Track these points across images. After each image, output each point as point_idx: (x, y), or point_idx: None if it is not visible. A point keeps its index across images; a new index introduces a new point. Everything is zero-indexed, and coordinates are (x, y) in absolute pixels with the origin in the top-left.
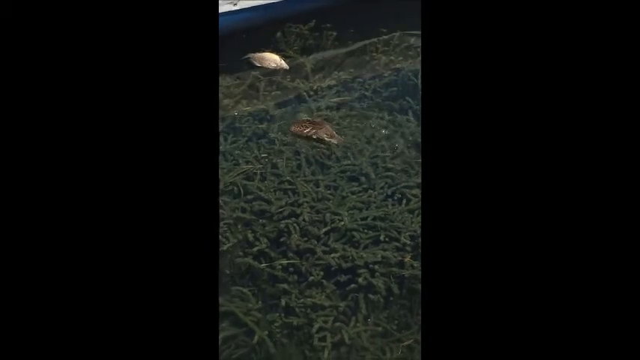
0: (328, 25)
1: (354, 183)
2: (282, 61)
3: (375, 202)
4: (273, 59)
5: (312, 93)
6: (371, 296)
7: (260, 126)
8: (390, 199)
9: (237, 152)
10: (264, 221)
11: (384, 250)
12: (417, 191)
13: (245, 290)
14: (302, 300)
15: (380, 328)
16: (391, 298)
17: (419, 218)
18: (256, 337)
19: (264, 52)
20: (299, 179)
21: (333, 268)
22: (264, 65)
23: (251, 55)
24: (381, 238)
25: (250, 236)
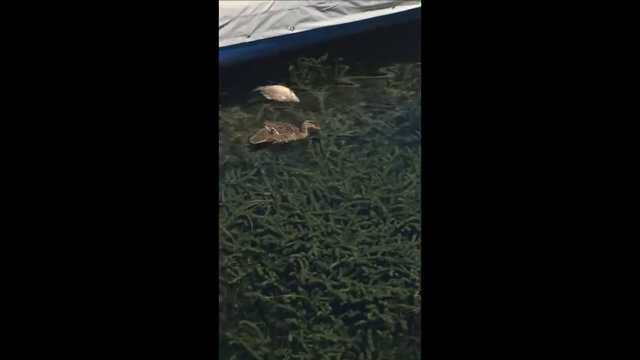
0: (340, 58)
1: (364, 216)
2: (293, 94)
3: (384, 237)
4: (283, 92)
5: (323, 127)
6: (379, 332)
7: (269, 159)
8: (399, 234)
9: (247, 185)
10: (273, 255)
11: (394, 285)
12: None
13: (253, 325)
14: (310, 335)
15: None
16: (400, 334)
17: None
18: None
19: (275, 84)
20: (309, 213)
21: (342, 303)
22: (274, 98)
23: (262, 87)
24: (391, 273)
25: (260, 270)
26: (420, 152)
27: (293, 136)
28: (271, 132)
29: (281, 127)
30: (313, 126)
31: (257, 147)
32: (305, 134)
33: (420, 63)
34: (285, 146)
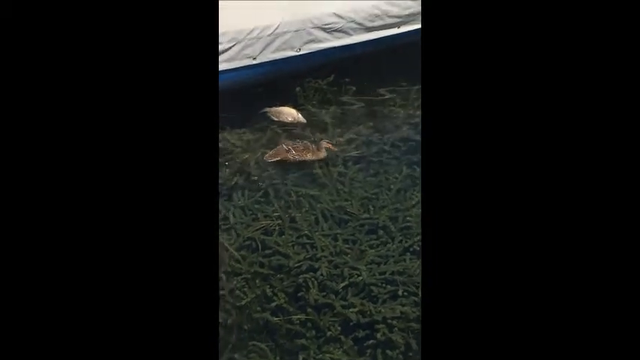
0: (346, 79)
1: (372, 236)
2: (300, 115)
3: (393, 256)
4: (290, 113)
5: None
6: (389, 352)
7: (277, 180)
8: (408, 253)
9: (255, 206)
10: (282, 276)
11: (403, 304)
12: None
13: (263, 346)
14: (320, 356)
15: None
16: (410, 354)
17: None
18: None
19: (281, 106)
20: (317, 233)
21: (351, 323)
22: (281, 119)
23: (268, 109)
24: (400, 292)
25: (268, 291)
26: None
27: (310, 156)
28: (288, 150)
29: (297, 146)
30: (330, 146)
31: (271, 164)
32: (322, 154)
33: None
34: (298, 165)
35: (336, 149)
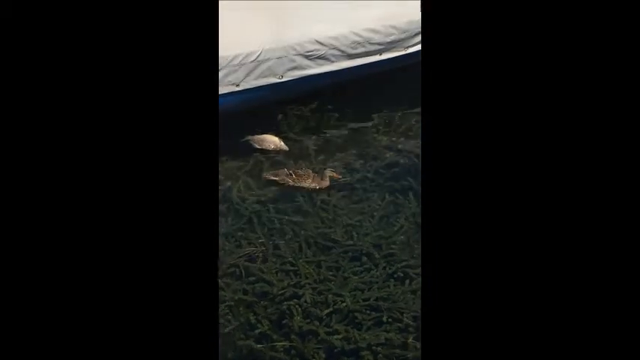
0: (329, 106)
1: (356, 263)
2: (282, 143)
3: (377, 283)
4: (272, 141)
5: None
6: None
7: (261, 207)
8: (392, 279)
9: (239, 234)
10: (266, 303)
11: (387, 331)
12: (419, 270)
13: None
14: None
15: None
16: None
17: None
18: None
19: (263, 133)
20: (301, 260)
21: (335, 350)
22: (263, 147)
23: (250, 137)
24: (384, 319)
25: (252, 318)
26: (412, 198)
27: (310, 183)
28: (289, 175)
29: (299, 173)
30: (335, 175)
31: (268, 182)
32: (326, 183)
33: (408, 110)
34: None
35: (340, 177)
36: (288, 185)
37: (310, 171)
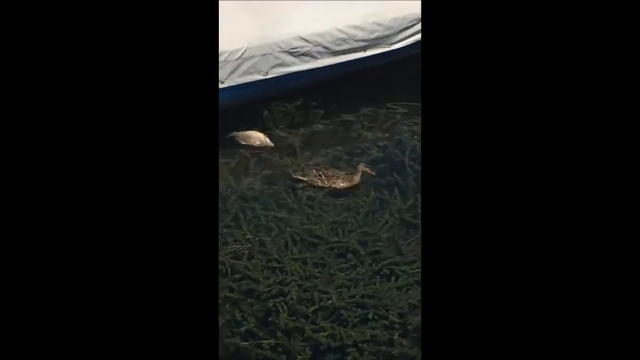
0: (314, 102)
1: (341, 260)
2: (267, 139)
3: (363, 280)
4: (257, 137)
5: (298, 171)
6: None
7: (246, 204)
8: (378, 276)
9: (225, 230)
10: (251, 300)
11: (373, 328)
12: (406, 267)
13: None
14: None
15: None
16: None
17: (407, 295)
18: None
19: (248, 130)
20: (286, 257)
21: (322, 347)
22: (248, 143)
23: (235, 133)
24: (370, 316)
25: (238, 316)
26: (397, 194)
27: (339, 183)
28: (318, 176)
29: (327, 174)
30: (368, 171)
31: (296, 181)
32: (357, 179)
33: (391, 105)
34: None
35: (373, 173)
36: (317, 186)
37: (337, 170)
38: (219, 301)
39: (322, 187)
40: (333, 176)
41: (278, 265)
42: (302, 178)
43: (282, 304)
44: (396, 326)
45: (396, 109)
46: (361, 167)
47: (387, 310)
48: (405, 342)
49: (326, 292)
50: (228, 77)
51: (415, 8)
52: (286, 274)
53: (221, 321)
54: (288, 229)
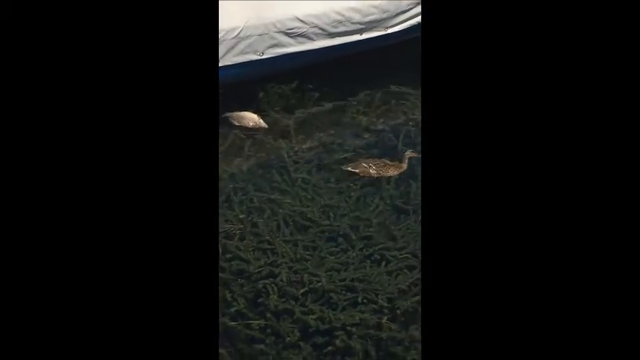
0: (310, 85)
1: (332, 243)
2: (261, 120)
3: (353, 264)
4: (251, 118)
5: (292, 154)
6: (348, 359)
7: (239, 185)
8: (368, 260)
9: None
10: (242, 281)
11: (362, 312)
12: (396, 253)
13: (223, 351)
14: None
15: None
16: None
17: (397, 280)
18: None
19: (242, 110)
20: (278, 239)
21: (310, 330)
22: (242, 124)
23: (229, 114)
24: (359, 299)
25: (228, 296)
26: (390, 179)
27: (392, 171)
28: (369, 167)
29: (378, 164)
30: (414, 154)
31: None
32: (405, 166)
33: (386, 89)
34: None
35: (418, 156)
36: (369, 177)
37: (385, 160)
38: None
39: (378, 178)
40: (384, 166)
41: (269, 247)
42: (354, 170)
43: (273, 285)
44: (385, 310)
45: (390, 93)
46: (408, 154)
47: (377, 295)
48: (393, 326)
49: (316, 275)
50: (224, 56)
51: None
52: (277, 255)
53: None
54: (280, 210)
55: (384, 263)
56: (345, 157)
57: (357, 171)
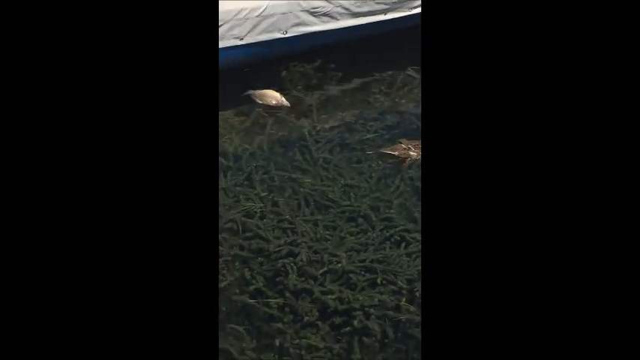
0: (332, 65)
1: (352, 224)
2: (283, 99)
3: (373, 245)
4: (273, 96)
5: (314, 133)
6: (365, 339)
7: (260, 163)
8: (388, 242)
9: (238, 189)
10: (261, 259)
11: (381, 293)
12: (416, 235)
13: (240, 329)
14: (297, 341)
15: None
16: (386, 342)
17: (417, 262)
18: None
19: (265, 89)
20: (298, 218)
21: (329, 310)
22: (264, 102)
23: (252, 91)
24: (378, 281)
25: (247, 274)
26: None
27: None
28: (408, 148)
29: (417, 145)
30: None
31: (387, 156)
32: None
33: (410, 70)
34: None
35: None
36: (412, 160)
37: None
38: (229, 259)
39: (414, 160)
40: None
41: (289, 226)
42: (392, 153)
43: (292, 264)
44: (404, 292)
45: (413, 74)
46: None
47: (396, 276)
48: (412, 308)
49: (336, 255)
50: (247, 34)
51: None
52: (297, 235)
53: (230, 278)
54: (301, 189)
55: (403, 245)
56: (366, 138)
57: (395, 153)
